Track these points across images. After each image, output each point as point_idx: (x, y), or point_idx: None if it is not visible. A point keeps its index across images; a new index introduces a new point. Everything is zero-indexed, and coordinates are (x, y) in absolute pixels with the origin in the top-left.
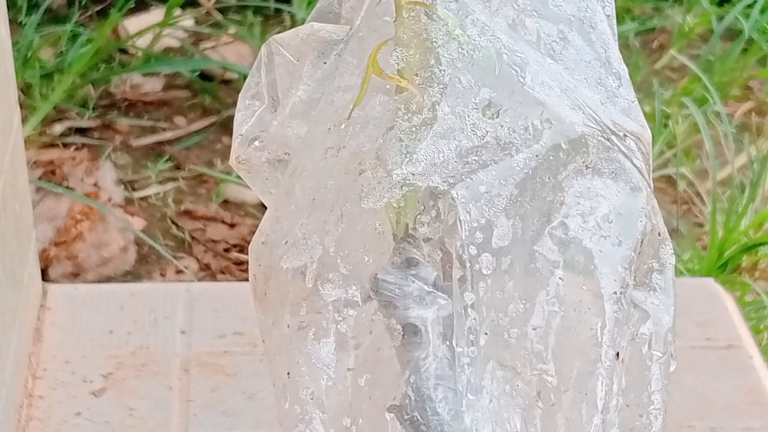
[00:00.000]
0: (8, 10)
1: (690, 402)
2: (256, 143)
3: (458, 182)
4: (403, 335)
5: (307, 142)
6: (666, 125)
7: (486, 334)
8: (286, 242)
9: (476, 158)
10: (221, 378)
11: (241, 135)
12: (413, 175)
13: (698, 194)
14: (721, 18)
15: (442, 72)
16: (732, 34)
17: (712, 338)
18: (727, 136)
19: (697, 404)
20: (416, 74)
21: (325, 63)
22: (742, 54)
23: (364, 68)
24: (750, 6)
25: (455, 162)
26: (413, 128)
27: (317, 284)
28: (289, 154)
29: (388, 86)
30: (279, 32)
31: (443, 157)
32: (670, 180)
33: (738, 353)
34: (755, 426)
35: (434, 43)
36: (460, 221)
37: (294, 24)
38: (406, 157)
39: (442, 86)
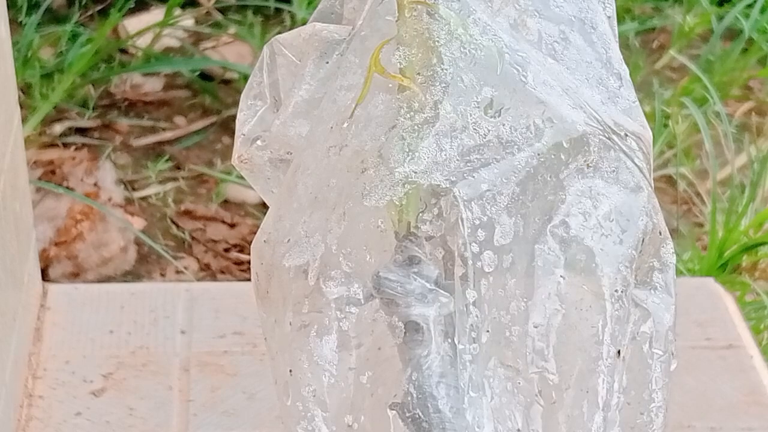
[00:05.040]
0: (8, 10)
1: (690, 402)
2: (259, 143)
3: (460, 180)
4: (405, 333)
5: (309, 141)
6: (666, 125)
7: (488, 331)
8: (289, 240)
9: (478, 157)
10: (221, 378)
11: (244, 134)
12: (415, 173)
13: (698, 194)
14: (721, 18)
15: (444, 71)
16: (732, 34)
17: (712, 338)
18: (727, 136)
19: (697, 404)
20: (418, 73)
21: (327, 63)
22: (742, 54)
23: (367, 67)
24: (750, 6)
25: (457, 160)
26: (415, 127)
27: (319, 282)
28: (291, 154)
29: (390, 85)
30: (279, 32)
31: (445, 155)
32: (670, 180)
33: (738, 353)
34: (755, 426)
35: (436, 43)
36: (462, 219)
37: (294, 24)
38: (408, 156)
39: (444, 85)
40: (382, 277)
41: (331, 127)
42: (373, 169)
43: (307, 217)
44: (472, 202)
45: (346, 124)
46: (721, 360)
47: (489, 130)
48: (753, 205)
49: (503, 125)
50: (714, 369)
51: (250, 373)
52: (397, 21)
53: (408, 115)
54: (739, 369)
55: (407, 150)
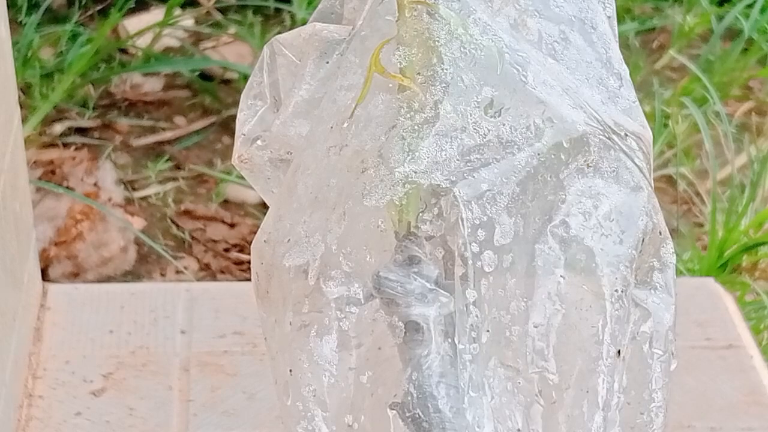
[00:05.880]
0: (8, 10)
1: (690, 402)
2: (259, 142)
3: (460, 180)
4: (405, 333)
5: (309, 141)
6: (666, 125)
7: (488, 331)
8: (289, 240)
9: (478, 156)
10: (221, 378)
11: (244, 134)
12: (415, 173)
13: (698, 194)
14: (721, 18)
15: (445, 71)
16: (732, 34)
17: (712, 338)
18: (727, 136)
19: (697, 404)
20: (418, 73)
21: (327, 62)
22: (742, 54)
23: (367, 67)
24: (750, 6)
25: (457, 160)
26: (415, 126)
27: (319, 282)
28: (291, 154)
29: (390, 85)
30: (279, 32)
31: (445, 155)
32: (670, 180)
33: (738, 353)
34: (755, 426)
35: (436, 42)
36: (462, 219)
37: (294, 24)
38: (408, 156)
39: (444, 85)
40: (382, 277)
41: (331, 127)
42: (373, 169)
43: (307, 217)
44: (472, 202)
45: (346, 124)
46: (721, 360)
47: (489, 130)
48: (753, 205)
49: (503, 125)
50: (714, 369)
51: (250, 373)
52: (397, 21)
53: (408, 115)
54: (739, 369)
55: (407, 150)
